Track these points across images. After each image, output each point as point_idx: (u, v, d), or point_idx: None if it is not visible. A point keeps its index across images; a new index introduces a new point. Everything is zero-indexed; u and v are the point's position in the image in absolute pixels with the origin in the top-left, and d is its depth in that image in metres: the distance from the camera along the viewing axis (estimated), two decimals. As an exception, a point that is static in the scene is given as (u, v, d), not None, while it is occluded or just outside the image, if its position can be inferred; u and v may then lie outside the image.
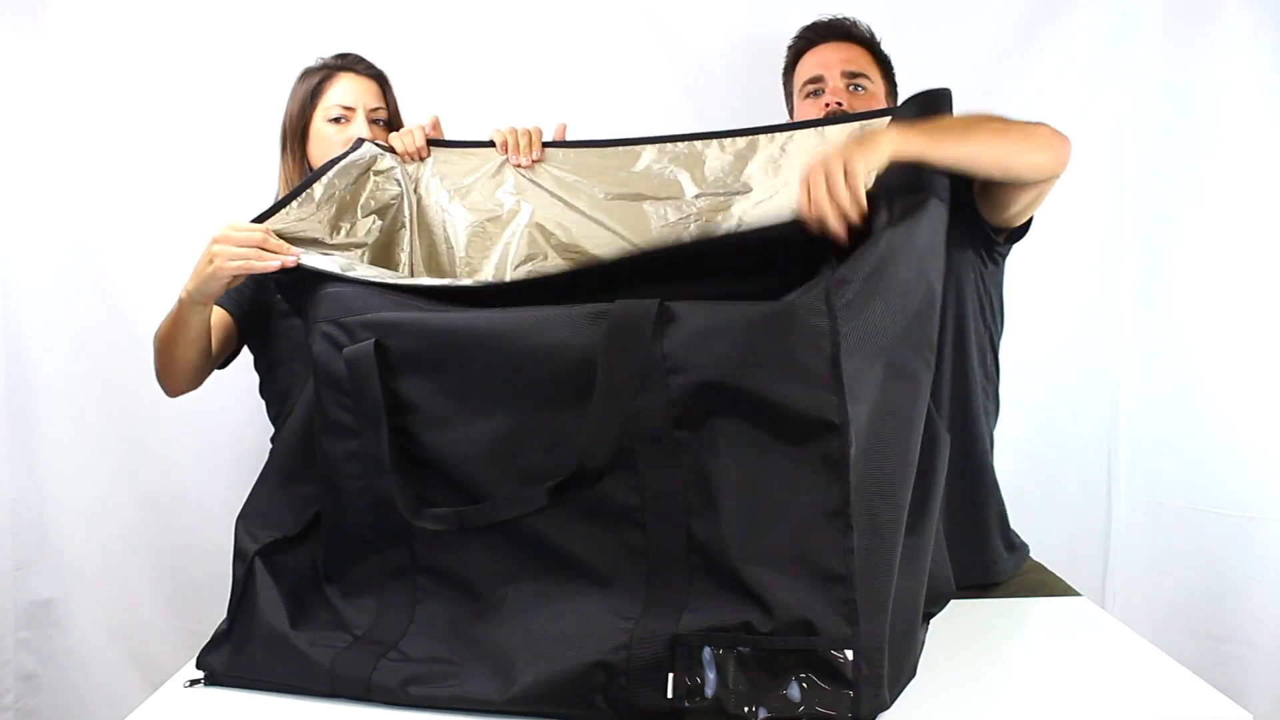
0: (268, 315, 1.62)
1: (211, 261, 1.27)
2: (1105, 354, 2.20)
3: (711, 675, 1.00)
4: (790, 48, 1.81)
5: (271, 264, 1.25)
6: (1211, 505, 2.14)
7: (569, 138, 1.66)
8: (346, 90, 1.61)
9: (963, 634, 1.16)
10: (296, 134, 1.63)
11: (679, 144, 1.61)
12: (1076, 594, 1.44)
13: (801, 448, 1.01)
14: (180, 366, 1.50)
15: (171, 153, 2.14)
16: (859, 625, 1.00)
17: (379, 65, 1.72)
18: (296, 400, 1.43)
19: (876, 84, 1.71)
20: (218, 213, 1.62)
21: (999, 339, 1.55)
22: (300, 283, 1.29)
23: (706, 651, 1.00)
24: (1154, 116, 2.13)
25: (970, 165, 1.21)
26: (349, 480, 1.20)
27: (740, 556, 1.03)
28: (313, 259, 1.29)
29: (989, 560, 1.48)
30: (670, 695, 1.00)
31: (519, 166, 1.59)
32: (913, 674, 1.11)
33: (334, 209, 1.44)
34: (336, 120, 1.59)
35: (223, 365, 1.64)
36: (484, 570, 1.16)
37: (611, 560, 1.09)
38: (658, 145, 1.61)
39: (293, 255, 1.27)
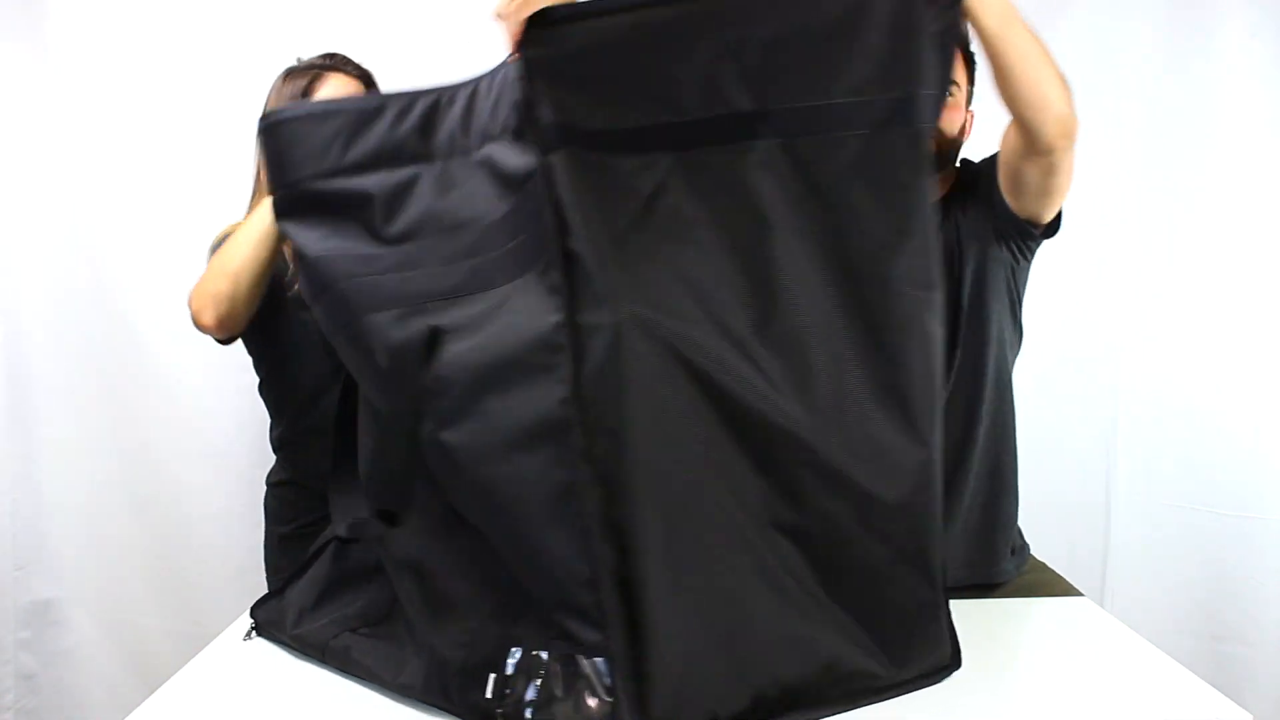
0: (277, 308, 1.54)
1: None
2: (1105, 355, 2.20)
3: (528, 682, 1.02)
4: None
5: None
6: (1211, 505, 2.14)
7: None
8: (337, 90, 1.55)
9: (964, 634, 1.16)
10: None
11: None
12: (1078, 594, 1.45)
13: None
14: (259, 281, 1.41)
15: (170, 154, 2.14)
16: (611, 631, 0.98)
17: (364, 66, 1.67)
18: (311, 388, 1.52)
19: (961, 90, 1.48)
20: (215, 213, 1.62)
21: (1016, 353, 1.52)
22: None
23: (516, 657, 1.04)
24: (1154, 116, 2.13)
25: (1002, 42, 1.26)
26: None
27: (529, 566, 1.05)
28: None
29: (993, 561, 1.48)
30: (489, 695, 1.03)
31: None
32: (765, 689, 1.04)
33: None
34: None
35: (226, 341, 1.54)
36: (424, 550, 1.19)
37: (481, 563, 1.12)
38: None
39: None
